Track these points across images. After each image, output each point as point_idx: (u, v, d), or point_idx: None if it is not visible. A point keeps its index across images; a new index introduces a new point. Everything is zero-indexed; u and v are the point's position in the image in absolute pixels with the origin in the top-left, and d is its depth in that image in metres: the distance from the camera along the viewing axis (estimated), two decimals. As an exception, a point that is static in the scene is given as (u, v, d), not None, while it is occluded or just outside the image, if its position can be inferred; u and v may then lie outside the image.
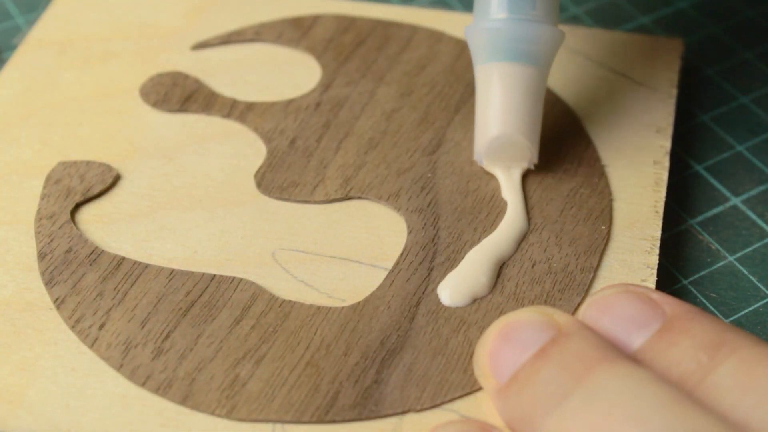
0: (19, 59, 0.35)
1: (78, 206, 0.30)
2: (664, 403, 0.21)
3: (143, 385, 0.26)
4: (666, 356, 0.23)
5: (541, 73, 0.30)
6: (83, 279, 0.28)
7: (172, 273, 0.29)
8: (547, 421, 0.22)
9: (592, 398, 0.22)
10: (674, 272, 0.30)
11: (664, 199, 0.30)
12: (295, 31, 0.36)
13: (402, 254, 0.29)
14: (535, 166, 0.31)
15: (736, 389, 0.21)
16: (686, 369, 0.22)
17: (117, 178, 0.31)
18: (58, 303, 0.28)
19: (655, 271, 0.28)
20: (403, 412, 0.25)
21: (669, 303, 0.24)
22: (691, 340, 0.23)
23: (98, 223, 0.30)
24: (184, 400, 0.26)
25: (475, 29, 0.30)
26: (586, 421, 0.21)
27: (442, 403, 0.26)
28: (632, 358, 0.23)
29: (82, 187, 0.31)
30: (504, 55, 0.30)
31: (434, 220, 0.30)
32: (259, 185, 0.31)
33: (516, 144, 0.30)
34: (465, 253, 0.29)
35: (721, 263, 0.30)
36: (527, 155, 0.30)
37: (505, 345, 0.24)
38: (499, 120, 0.30)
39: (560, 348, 0.23)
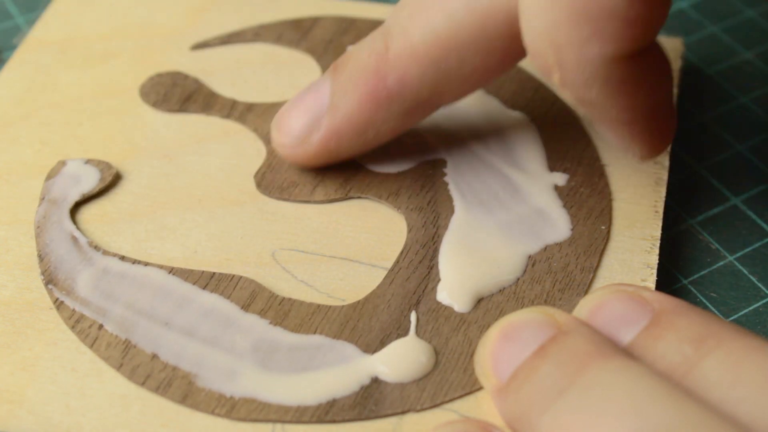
0: (19, 59, 0.35)
1: (78, 206, 0.30)
2: (659, 397, 0.21)
3: (143, 384, 0.26)
4: (652, 350, 0.23)
5: None
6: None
7: (171, 271, 0.29)
8: (544, 418, 0.22)
9: (587, 394, 0.22)
10: (674, 272, 0.30)
11: (664, 199, 0.30)
12: (295, 33, 0.36)
13: (402, 252, 0.29)
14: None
15: (723, 382, 0.21)
16: (671, 362, 0.22)
17: (117, 177, 0.31)
18: (58, 303, 0.28)
19: (655, 271, 0.28)
20: (403, 412, 0.25)
21: (658, 300, 0.24)
22: (677, 334, 0.23)
23: (98, 223, 0.30)
24: (184, 399, 0.26)
25: None
26: (581, 417, 0.21)
27: (442, 402, 0.26)
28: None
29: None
30: None
31: (434, 218, 0.30)
32: (258, 185, 0.31)
33: None
34: (465, 253, 0.29)
35: (721, 263, 0.30)
36: None
37: (506, 344, 0.24)
38: None
39: (558, 346, 0.23)
